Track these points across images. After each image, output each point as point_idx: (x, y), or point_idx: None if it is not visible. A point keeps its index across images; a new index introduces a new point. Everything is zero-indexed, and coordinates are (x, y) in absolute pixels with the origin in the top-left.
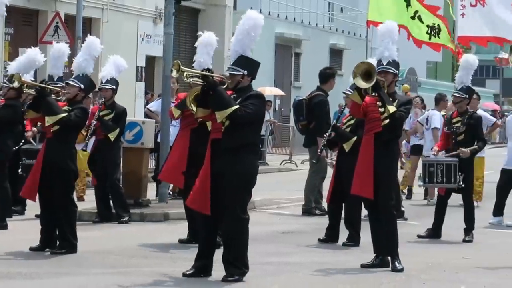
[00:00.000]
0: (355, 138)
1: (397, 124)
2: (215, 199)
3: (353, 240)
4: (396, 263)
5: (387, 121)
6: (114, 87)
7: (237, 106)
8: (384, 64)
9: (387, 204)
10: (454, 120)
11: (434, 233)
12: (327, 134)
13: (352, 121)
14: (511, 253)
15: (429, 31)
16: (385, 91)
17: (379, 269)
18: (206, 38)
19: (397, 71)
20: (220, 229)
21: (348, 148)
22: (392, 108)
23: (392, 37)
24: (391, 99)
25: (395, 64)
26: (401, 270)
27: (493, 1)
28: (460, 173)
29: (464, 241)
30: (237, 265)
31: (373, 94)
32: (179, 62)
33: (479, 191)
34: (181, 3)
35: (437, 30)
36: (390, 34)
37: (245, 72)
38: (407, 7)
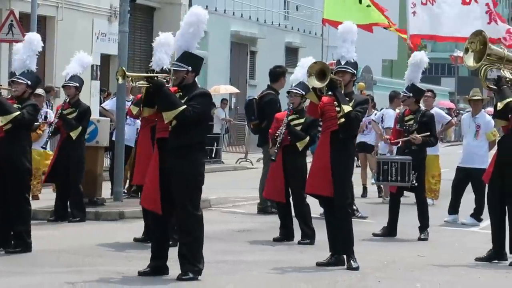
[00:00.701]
0: (308, 138)
1: (353, 124)
2: (166, 198)
3: (308, 236)
4: (351, 261)
5: (343, 120)
6: (78, 84)
7: (184, 107)
8: (343, 64)
9: (343, 202)
10: (406, 118)
11: (389, 231)
12: (280, 132)
13: (302, 120)
14: (466, 251)
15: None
16: (342, 91)
17: (335, 268)
18: (162, 38)
19: (355, 71)
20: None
21: (301, 148)
22: (347, 108)
23: (351, 38)
24: (347, 98)
25: (353, 64)
26: (357, 269)
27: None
28: (413, 172)
29: (420, 239)
30: (192, 262)
31: (329, 93)
32: (123, 68)
33: (435, 189)
34: (136, 1)
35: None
36: (349, 35)
37: (190, 68)
38: (360, 1)
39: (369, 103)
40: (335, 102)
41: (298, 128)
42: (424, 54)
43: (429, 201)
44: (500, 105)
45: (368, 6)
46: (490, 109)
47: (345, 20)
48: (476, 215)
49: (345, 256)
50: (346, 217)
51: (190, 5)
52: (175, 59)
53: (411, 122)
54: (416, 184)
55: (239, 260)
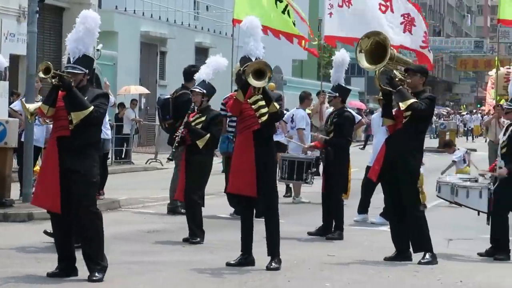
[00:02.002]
0: (208, 135)
1: (276, 121)
2: (65, 198)
3: (195, 236)
4: (273, 262)
5: (265, 118)
6: None
7: (92, 107)
8: (253, 60)
9: (273, 202)
10: (329, 119)
11: (324, 230)
12: (180, 131)
13: (203, 118)
14: (376, 250)
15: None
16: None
17: (245, 268)
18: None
19: (270, 68)
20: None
21: (201, 146)
22: (277, 105)
23: (255, 34)
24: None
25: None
26: (277, 269)
27: (359, 3)
28: (310, 171)
29: (328, 238)
30: (96, 260)
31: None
32: (49, 63)
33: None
34: (44, 1)
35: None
36: (254, 30)
37: (87, 71)
38: (276, 3)
39: (282, 99)
40: (249, 100)
41: (199, 126)
42: (346, 53)
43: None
44: (403, 106)
45: (283, 12)
46: None
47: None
48: (386, 214)
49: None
50: (275, 217)
51: (99, 5)
52: (72, 62)
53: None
54: (311, 183)
55: (148, 260)
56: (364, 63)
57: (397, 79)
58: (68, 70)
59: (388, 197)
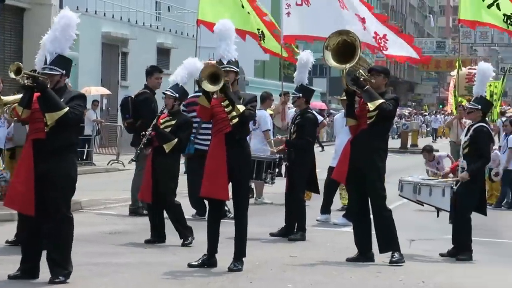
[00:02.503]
0: (176, 140)
1: (247, 122)
2: (39, 200)
3: (187, 236)
4: (236, 263)
5: (236, 120)
6: None
7: (67, 109)
8: (225, 63)
9: (245, 204)
10: (294, 119)
11: (286, 231)
12: (147, 133)
13: (173, 122)
14: (338, 251)
15: (260, 34)
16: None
17: (207, 269)
18: (43, 41)
19: (238, 69)
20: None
21: (168, 150)
22: (241, 107)
23: (230, 36)
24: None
25: (235, 62)
26: (239, 270)
27: (318, 1)
28: (270, 171)
29: (290, 239)
30: (62, 265)
31: (221, 94)
32: (20, 64)
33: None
34: (4, 2)
35: (261, 35)
36: (227, 33)
37: (64, 72)
38: (243, 6)
39: (256, 100)
40: (222, 103)
41: (168, 129)
42: (310, 54)
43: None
44: (371, 106)
45: (249, 13)
46: None
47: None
48: (348, 215)
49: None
50: (245, 218)
51: (60, 6)
52: (48, 63)
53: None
54: (271, 183)
55: (110, 262)
56: (331, 62)
57: (362, 79)
58: (44, 72)
59: (353, 197)
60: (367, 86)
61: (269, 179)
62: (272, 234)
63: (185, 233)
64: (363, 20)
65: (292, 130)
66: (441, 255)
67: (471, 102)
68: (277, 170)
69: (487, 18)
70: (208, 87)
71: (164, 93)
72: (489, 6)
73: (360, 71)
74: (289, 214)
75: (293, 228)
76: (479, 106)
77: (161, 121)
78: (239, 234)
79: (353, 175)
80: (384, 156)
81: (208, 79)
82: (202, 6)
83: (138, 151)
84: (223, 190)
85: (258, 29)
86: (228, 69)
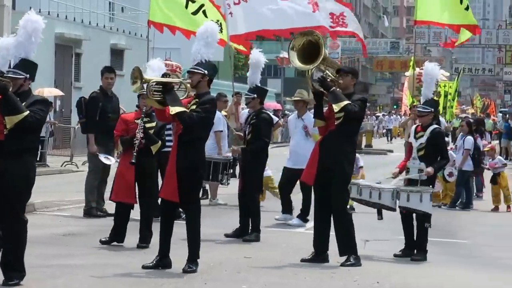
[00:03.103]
0: (160, 143)
1: (190, 125)
2: None
3: (146, 241)
4: (190, 264)
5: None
6: None
7: (27, 113)
8: (194, 64)
9: (193, 205)
10: (249, 119)
11: (241, 232)
12: (138, 135)
13: (153, 124)
14: (293, 252)
15: (218, 25)
16: (187, 94)
17: (162, 270)
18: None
19: (205, 71)
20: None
21: (155, 151)
22: (175, 109)
23: (205, 39)
24: (197, 99)
25: (205, 64)
26: (193, 271)
27: None
28: (226, 172)
29: (245, 240)
30: (17, 268)
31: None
32: None
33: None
34: None
35: (220, 26)
36: (205, 35)
37: (28, 75)
38: (187, 4)
39: (213, 102)
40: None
41: (151, 131)
42: (261, 53)
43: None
44: (336, 108)
45: (193, 13)
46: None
47: (170, 23)
48: (303, 216)
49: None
50: (196, 219)
51: (13, 6)
52: (12, 66)
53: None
54: (227, 184)
55: (64, 264)
56: (296, 62)
57: (329, 79)
58: (8, 75)
59: (317, 198)
60: (333, 88)
61: (225, 180)
62: (226, 235)
63: (147, 234)
64: (315, 4)
65: (247, 130)
66: (395, 255)
67: (422, 105)
68: (231, 171)
69: (444, 19)
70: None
71: (140, 94)
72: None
73: (327, 71)
74: (244, 215)
75: (248, 229)
76: (432, 109)
77: (139, 121)
78: (191, 236)
79: (320, 176)
80: (351, 158)
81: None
82: (152, 7)
83: (135, 154)
84: (173, 191)
85: (217, 20)
86: (192, 70)
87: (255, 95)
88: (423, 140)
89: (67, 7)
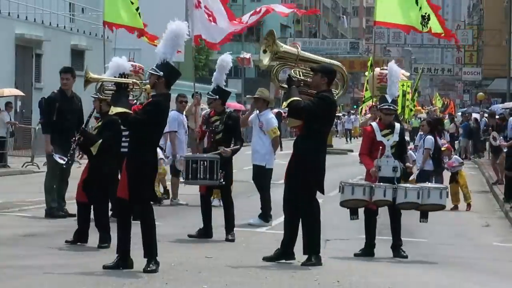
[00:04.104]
0: (100, 141)
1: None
2: None
3: (105, 241)
4: (151, 264)
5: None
6: None
7: None
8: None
9: (145, 204)
10: (212, 119)
11: (205, 232)
12: (76, 137)
13: (99, 124)
14: (254, 251)
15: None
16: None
17: (122, 271)
18: None
19: (160, 73)
20: None
21: (95, 152)
22: (115, 109)
23: (173, 39)
24: (150, 99)
25: (161, 65)
26: (154, 271)
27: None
28: (221, 170)
29: (227, 240)
30: None
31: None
32: None
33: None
34: None
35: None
36: (173, 34)
37: None
38: (132, 2)
39: (156, 104)
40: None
41: (96, 131)
42: (229, 56)
43: (215, 202)
44: (284, 104)
45: (137, 9)
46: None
47: (123, 22)
48: (264, 216)
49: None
50: (149, 218)
51: None
52: None
53: (217, 123)
54: (223, 182)
55: (25, 264)
56: (266, 61)
57: (297, 78)
58: None
59: (285, 197)
60: (292, 86)
61: (222, 179)
62: (190, 236)
63: (105, 234)
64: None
65: (217, 129)
66: (356, 255)
67: (389, 104)
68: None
69: (403, 20)
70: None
71: (92, 96)
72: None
73: (296, 70)
74: (206, 216)
75: (211, 229)
76: (396, 107)
77: (95, 125)
78: (146, 235)
79: (293, 175)
80: (317, 157)
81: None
82: (107, 7)
83: (69, 156)
84: (123, 189)
85: None
86: (149, 71)
87: (217, 97)
88: (395, 138)
89: (27, 8)
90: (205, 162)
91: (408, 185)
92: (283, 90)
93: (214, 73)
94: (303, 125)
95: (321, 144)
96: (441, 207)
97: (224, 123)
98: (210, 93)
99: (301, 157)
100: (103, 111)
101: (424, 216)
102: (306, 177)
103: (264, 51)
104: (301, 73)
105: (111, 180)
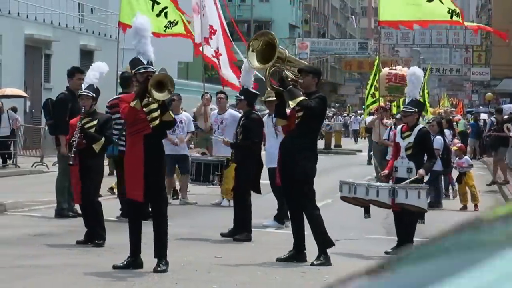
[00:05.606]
0: (103, 139)
1: (169, 129)
2: None
3: (102, 237)
4: (161, 264)
5: (156, 122)
6: None
7: None
8: (145, 63)
9: (160, 205)
10: (240, 121)
11: (235, 231)
12: (75, 136)
13: (94, 122)
14: (264, 252)
15: (174, 22)
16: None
17: (133, 270)
18: None
19: (154, 70)
20: None
21: (98, 149)
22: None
23: (145, 35)
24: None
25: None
26: (164, 271)
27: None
28: (217, 173)
29: (236, 240)
30: None
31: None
32: None
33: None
34: None
35: (174, 24)
36: (143, 32)
37: None
38: (153, 6)
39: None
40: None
41: (92, 130)
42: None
43: (225, 202)
44: (292, 104)
45: (158, 15)
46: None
47: None
48: (279, 218)
49: (157, 259)
50: (163, 219)
51: None
52: None
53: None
54: (217, 184)
55: (34, 264)
56: (254, 63)
57: (289, 79)
58: None
59: (286, 199)
60: (290, 86)
61: (216, 181)
62: (222, 235)
63: (102, 233)
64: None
65: (238, 131)
66: (387, 252)
67: (407, 105)
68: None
69: (409, 16)
70: (157, 95)
71: (81, 94)
72: (430, 0)
73: (287, 72)
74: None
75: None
76: (416, 109)
77: (78, 122)
78: (157, 236)
79: (283, 176)
80: (310, 156)
81: (155, 87)
82: (123, 8)
83: (72, 155)
84: (138, 191)
85: (174, 19)
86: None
87: (243, 97)
88: (411, 139)
89: (36, 8)
90: (204, 164)
91: (381, 184)
92: (276, 91)
93: (241, 75)
94: (297, 124)
95: (315, 142)
96: (420, 209)
97: (242, 125)
98: (237, 94)
99: (294, 157)
100: (92, 109)
101: (420, 217)
102: (302, 177)
103: (252, 50)
104: (290, 73)
105: (101, 176)
